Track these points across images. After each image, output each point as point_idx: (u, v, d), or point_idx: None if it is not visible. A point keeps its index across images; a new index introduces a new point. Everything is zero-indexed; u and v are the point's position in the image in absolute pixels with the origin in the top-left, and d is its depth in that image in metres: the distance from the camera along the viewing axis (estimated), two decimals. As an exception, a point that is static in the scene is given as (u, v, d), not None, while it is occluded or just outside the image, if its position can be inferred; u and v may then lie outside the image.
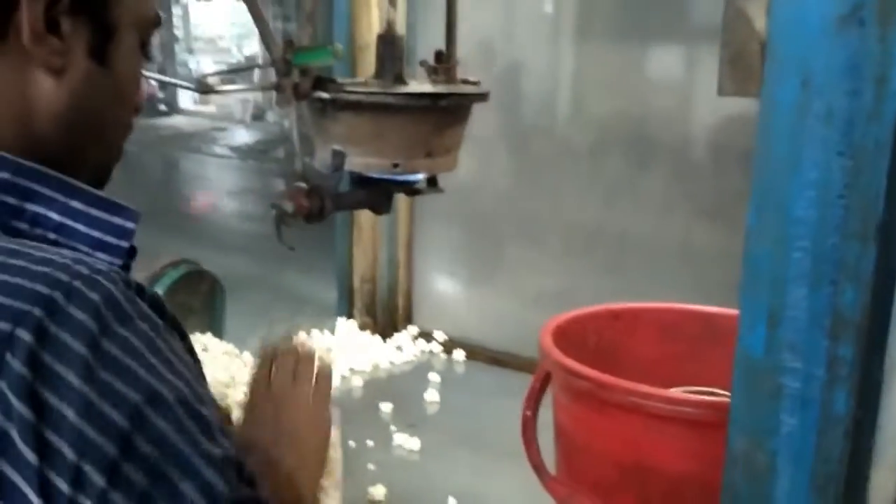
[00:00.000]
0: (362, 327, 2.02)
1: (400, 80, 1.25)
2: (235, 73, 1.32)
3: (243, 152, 9.68)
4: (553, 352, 0.96)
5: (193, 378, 0.53)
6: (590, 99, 1.82)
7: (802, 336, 0.57)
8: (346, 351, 1.89)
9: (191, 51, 13.98)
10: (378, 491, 1.30)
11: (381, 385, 1.77)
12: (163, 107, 12.61)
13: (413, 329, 2.04)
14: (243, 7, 1.14)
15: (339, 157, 1.20)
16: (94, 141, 0.64)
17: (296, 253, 1.26)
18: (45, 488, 0.46)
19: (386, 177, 1.24)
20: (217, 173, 8.46)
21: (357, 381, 1.77)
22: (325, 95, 1.17)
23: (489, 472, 1.36)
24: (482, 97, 1.27)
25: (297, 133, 1.22)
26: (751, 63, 0.57)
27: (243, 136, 10.84)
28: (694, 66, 1.69)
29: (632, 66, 1.73)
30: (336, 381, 1.77)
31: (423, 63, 1.38)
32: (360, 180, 1.27)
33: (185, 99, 13.63)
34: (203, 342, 1.70)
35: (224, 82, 1.25)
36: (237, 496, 0.50)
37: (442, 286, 2.06)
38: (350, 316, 2.05)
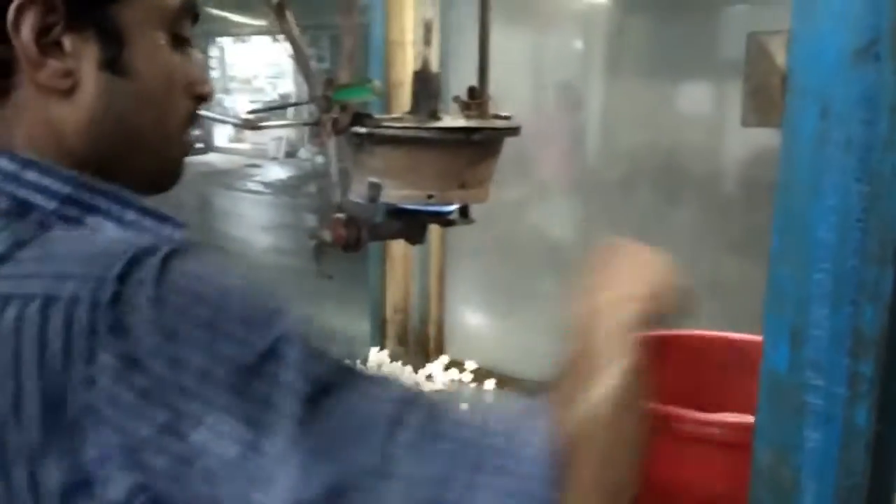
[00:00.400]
0: (394, 357, 2.05)
1: (434, 115, 1.29)
2: (276, 110, 1.37)
3: (276, 188, 9.86)
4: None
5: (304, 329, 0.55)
6: (620, 132, 1.85)
7: (824, 354, 0.59)
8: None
9: (227, 90, 14.31)
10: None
11: (412, 414, 1.80)
12: (199, 144, 12.90)
13: (444, 359, 2.07)
14: (278, 48, 1.19)
15: (375, 189, 1.25)
16: (132, 148, 0.64)
17: (328, 286, 1.30)
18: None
19: (420, 208, 1.28)
20: (251, 209, 8.61)
21: (389, 410, 1.80)
22: (362, 130, 1.22)
23: None
24: (514, 131, 1.31)
25: (336, 166, 1.27)
26: (772, 96, 0.60)
27: (277, 172, 11.04)
28: (722, 100, 1.73)
29: (661, 101, 1.77)
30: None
31: (456, 99, 1.43)
32: (395, 211, 1.31)
33: (221, 137, 13.92)
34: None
35: (260, 120, 1.31)
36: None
37: (473, 317, 2.09)
38: (382, 346, 2.09)
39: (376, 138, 1.24)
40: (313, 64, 1.24)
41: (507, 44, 1.89)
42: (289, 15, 1.18)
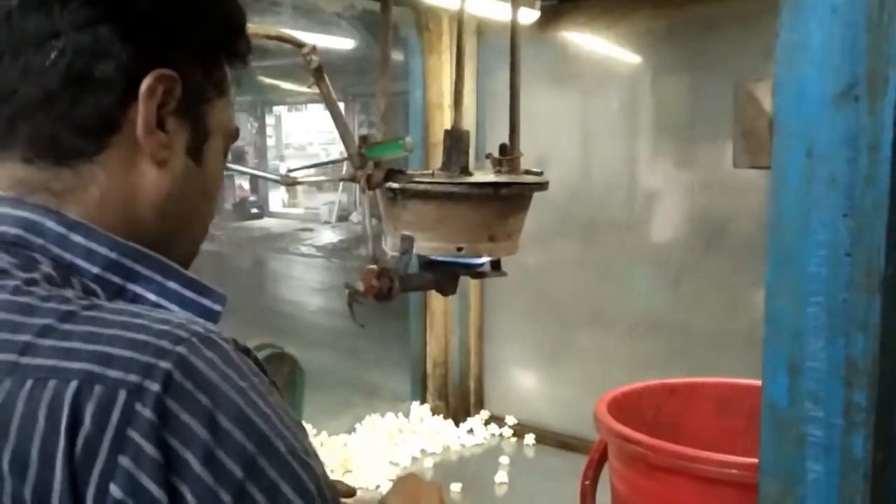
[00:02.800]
0: (435, 411, 2.07)
1: (465, 171, 1.34)
2: (316, 167, 1.44)
3: (328, 251, 10.04)
4: (606, 418, 1.00)
5: (299, 431, 0.56)
6: (667, 195, 1.87)
7: (822, 385, 0.61)
8: (419, 434, 1.94)
9: (282, 157, 14.72)
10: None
11: (451, 466, 1.81)
12: (255, 210, 13.25)
13: (484, 413, 2.08)
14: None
15: (407, 241, 1.30)
16: (184, 229, 0.69)
17: (373, 345, 1.35)
18: None
19: (451, 259, 1.33)
20: (303, 272, 8.78)
21: (428, 463, 1.81)
22: (395, 185, 1.28)
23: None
24: (542, 186, 1.35)
25: (369, 220, 1.32)
26: (760, 138, 0.64)
27: (329, 236, 11.26)
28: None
29: (700, 157, 1.79)
30: (407, 462, 1.82)
31: (488, 156, 1.49)
32: (427, 263, 1.36)
33: (275, 202, 14.27)
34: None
35: (298, 176, 1.37)
36: None
37: (512, 371, 2.10)
38: (423, 401, 2.11)
39: (408, 193, 1.29)
40: (363, 131, 1.31)
41: (553, 106, 1.96)
42: (326, 79, 1.25)
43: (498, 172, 1.41)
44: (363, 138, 1.28)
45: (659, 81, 1.87)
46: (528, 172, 1.43)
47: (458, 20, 1.37)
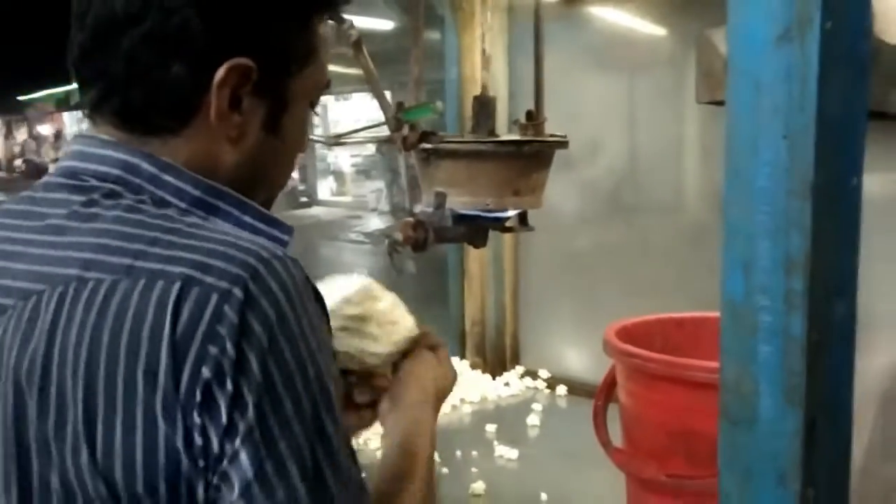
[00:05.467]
0: (473, 367, 2.22)
1: (492, 133, 1.48)
2: (356, 132, 1.59)
3: (376, 237, 10.22)
4: (613, 340, 1.13)
5: (329, 357, 0.66)
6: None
7: (769, 279, 0.73)
8: (458, 386, 2.08)
9: (330, 147, 14.93)
10: (479, 486, 1.48)
11: (488, 412, 1.96)
12: (304, 198, 13.51)
13: (520, 368, 2.22)
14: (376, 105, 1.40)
15: (440, 197, 1.44)
16: (260, 186, 0.76)
17: (415, 305, 1.49)
18: (230, 419, 0.59)
19: (480, 213, 1.47)
20: (352, 257, 8.99)
21: (467, 409, 1.97)
22: (428, 146, 1.42)
23: (579, 476, 1.51)
24: (562, 144, 1.48)
25: (407, 178, 1.47)
26: (717, 76, 0.76)
27: (376, 223, 11.45)
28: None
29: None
30: (447, 409, 1.97)
31: (516, 121, 1.62)
32: (459, 217, 1.50)
33: (324, 191, 14.52)
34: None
35: (342, 137, 1.52)
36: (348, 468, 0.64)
37: (546, 328, 2.24)
38: (462, 357, 2.26)
39: (440, 153, 1.43)
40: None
41: (599, 89, 2.07)
42: (365, 50, 1.39)
43: (524, 135, 1.54)
44: (399, 104, 1.42)
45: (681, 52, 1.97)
46: (552, 135, 1.56)
47: (484, -4, 1.50)
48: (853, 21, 0.73)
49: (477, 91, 2.28)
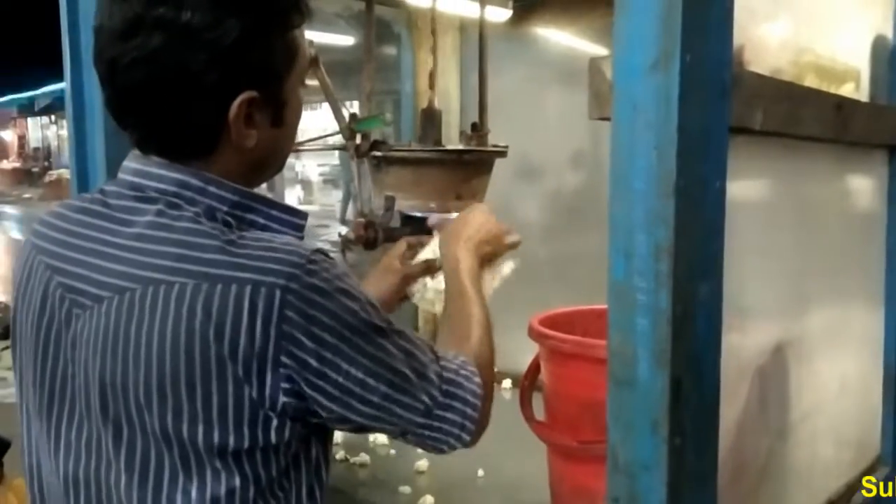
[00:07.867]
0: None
1: (438, 142, 1.64)
2: (313, 140, 1.73)
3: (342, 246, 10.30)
4: (535, 325, 1.28)
5: (374, 311, 0.89)
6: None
7: (644, 263, 0.89)
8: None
9: (297, 156, 14.99)
10: (423, 464, 1.62)
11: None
12: (271, 207, 13.53)
13: (469, 364, 2.36)
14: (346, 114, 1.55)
15: (389, 200, 1.59)
16: (271, 167, 0.98)
17: None
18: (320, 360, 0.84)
19: (425, 215, 1.62)
20: (318, 265, 9.05)
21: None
22: (379, 154, 1.57)
23: (513, 456, 1.65)
24: (500, 154, 1.64)
25: (359, 183, 1.62)
26: (605, 97, 0.92)
27: (342, 231, 11.51)
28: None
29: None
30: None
31: (462, 133, 1.78)
32: (406, 219, 1.65)
33: (292, 199, 14.57)
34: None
35: (299, 146, 1.66)
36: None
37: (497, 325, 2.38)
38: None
39: (389, 160, 1.59)
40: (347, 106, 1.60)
41: (548, 104, 2.23)
42: (321, 66, 1.54)
43: (467, 145, 1.70)
44: (352, 115, 1.57)
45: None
46: (494, 146, 1.72)
47: (431, 17, 1.67)
48: (713, 53, 0.90)
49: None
